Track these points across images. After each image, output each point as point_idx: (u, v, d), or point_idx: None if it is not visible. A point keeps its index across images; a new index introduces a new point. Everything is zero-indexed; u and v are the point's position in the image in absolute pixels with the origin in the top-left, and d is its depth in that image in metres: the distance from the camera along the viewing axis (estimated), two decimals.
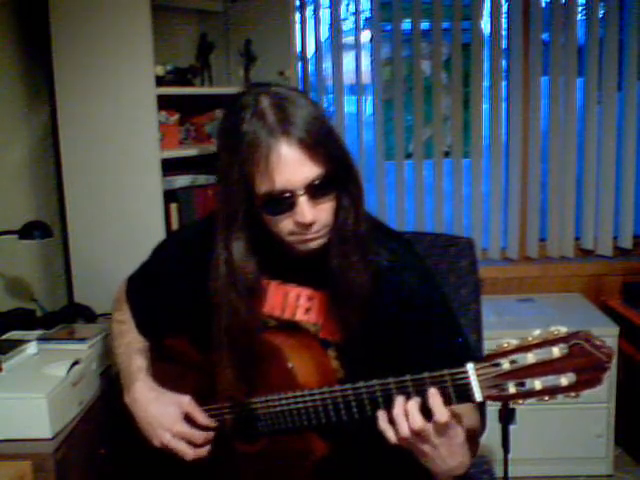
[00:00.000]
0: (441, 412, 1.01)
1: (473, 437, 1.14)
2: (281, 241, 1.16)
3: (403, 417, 1.02)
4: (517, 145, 3.00)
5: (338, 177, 1.12)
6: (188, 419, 1.27)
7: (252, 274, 1.18)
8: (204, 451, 1.27)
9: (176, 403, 1.28)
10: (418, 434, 1.02)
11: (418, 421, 1.01)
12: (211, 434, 1.27)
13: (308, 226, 1.11)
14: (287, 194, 1.08)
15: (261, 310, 1.24)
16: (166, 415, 1.27)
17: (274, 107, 1.08)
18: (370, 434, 1.09)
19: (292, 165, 1.06)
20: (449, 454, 1.05)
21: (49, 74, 2.22)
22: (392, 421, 1.04)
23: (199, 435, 1.26)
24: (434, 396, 1.02)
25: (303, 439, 1.18)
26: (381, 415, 1.05)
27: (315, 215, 1.10)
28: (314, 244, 1.15)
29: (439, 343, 1.20)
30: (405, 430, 1.02)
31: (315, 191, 1.09)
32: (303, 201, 1.08)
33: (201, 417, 1.27)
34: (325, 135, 1.10)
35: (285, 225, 1.12)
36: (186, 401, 1.28)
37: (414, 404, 1.02)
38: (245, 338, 1.19)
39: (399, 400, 1.04)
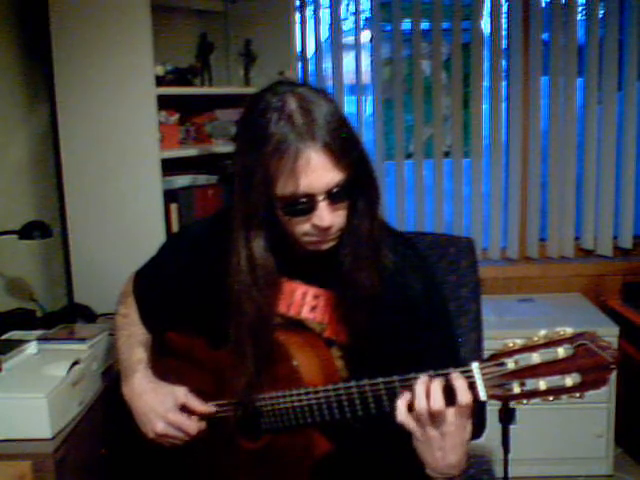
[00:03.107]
0: (466, 395, 1.01)
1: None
2: (293, 240, 1.17)
3: (424, 395, 1.03)
4: (517, 145, 3.00)
5: (358, 182, 1.13)
6: (185, 410, 1.27)
7: (273, 270, 1.19)
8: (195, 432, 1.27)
9: (172, 394, 1.28)
10: (435, 415, 1.02)
11: (439, 401, 1.02)
12: (204, 424, 1.27)
13: (325, 229, 1.12)
14: (307, 198, 1.09)
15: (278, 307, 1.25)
16: (161, 405, 1.27)
17: (302, 110, 1.08)
18: (373, 433, 1.09)
19: (318, 171, 1.07)
20: (452, 447, 1.05)
21: (49, 74, 2.22)
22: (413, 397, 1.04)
23: (192, 424, 1.26)
24: (458, 379, 1.02)
25: (306, 437, 1.18)
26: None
27: (332, 219, 1.12)
28: (326, 246, 1.16)
29: (441, 345, 1.21)
30: (423, 407, 1.02)
31: (335, 196, 1.10)
32: (323, 206, 1.10)
33: (197, 405, 1.27)
34: (349, 140, 1.11)
35: (301, 227, 1.13)
36: (182, 392, 1.28)
37: (438, 384, 1.03)
38: (267, 333, 1.19)
39: (423, 378, 1.04)
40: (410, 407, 1.05)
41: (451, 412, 1.03)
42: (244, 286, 1.17)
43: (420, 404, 1.03)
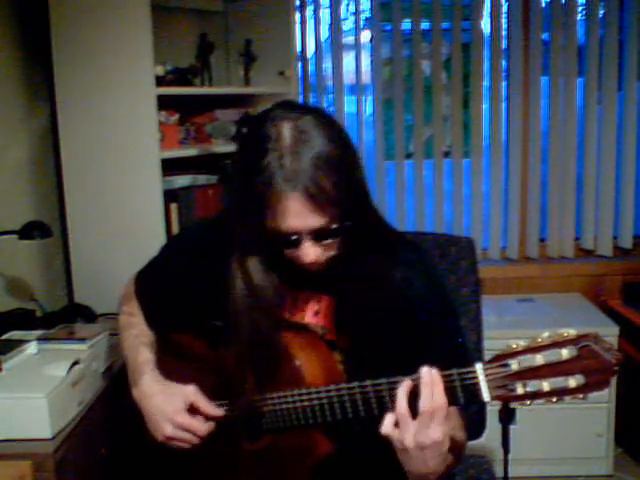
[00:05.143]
0: (441, 398, 1.02)
1: (458, 450, 1.15)
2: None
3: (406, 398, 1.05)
4: (517, 145, 3.00)
5: (349, 218, 1.13)
6: (193, 410, 1.26)
7: (274, 291, 1.20)
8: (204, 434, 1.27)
9: (181, 394, 1.27)
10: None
11: (402, 406, 1.04)
12: (213, 425, 1.26)
13: (310, 264, 1.14)
14: (294, 236, 1.10)
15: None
16: (169, 406, 1.26)
17: (292, 151, 1.07)
18: (376, 435, 1.09)
19: (299, 216, 1.08)
20: (431, 457, 1.05)
21: (49, 74, 2.22)
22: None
23: (201, 426, 1.25)
24: (434, 377, 1.04)
25: (307, 438, 1.18)
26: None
27: (319, 255, 1.13)
28: (322, 268, 1.17)
29: (445, 346, 1.22)
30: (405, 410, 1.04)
31: (319, 237, 1.11)
32: (307, 245, 1.11)
33: (207, 406, 1.26)
34: (339, 182, 1.09)
35: (292, 256, 1.15)
36: (191, 391, 1.26)
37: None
38: (267, 349, 1.19)
39: (407, 381, 1.06)
40: (397, 423, 1.05)
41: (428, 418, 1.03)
42: (243, 308, 1.18)
43: (402, 407, 1.04)
